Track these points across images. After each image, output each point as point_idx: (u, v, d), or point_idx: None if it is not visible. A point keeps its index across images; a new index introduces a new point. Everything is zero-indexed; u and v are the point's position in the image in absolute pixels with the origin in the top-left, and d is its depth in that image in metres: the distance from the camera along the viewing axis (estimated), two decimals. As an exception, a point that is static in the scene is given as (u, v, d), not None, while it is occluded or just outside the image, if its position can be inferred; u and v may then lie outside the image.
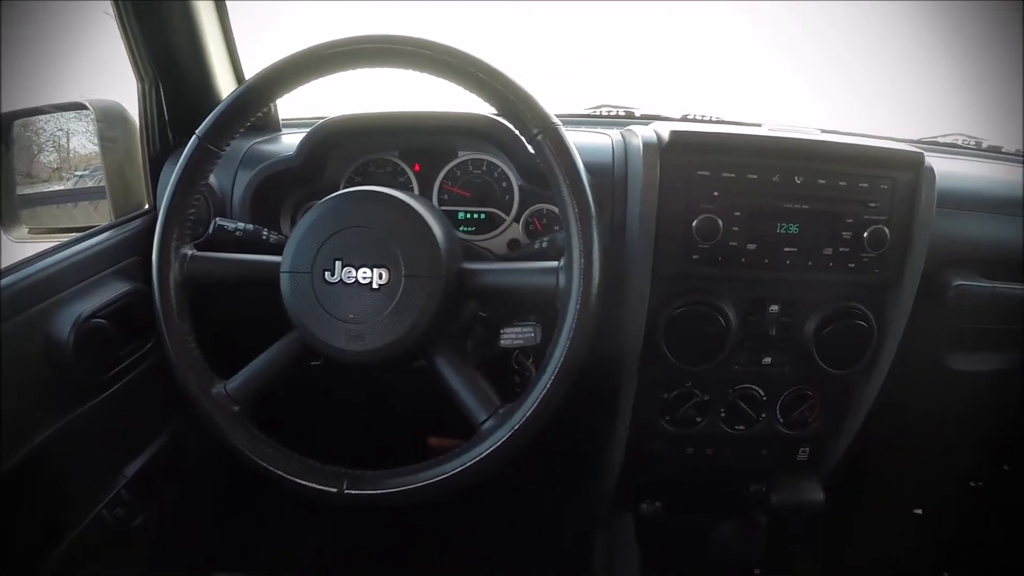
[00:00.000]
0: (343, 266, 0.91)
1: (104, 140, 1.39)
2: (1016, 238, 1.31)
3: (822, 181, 1.14)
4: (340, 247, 0.92)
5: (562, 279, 0.90)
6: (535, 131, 0.90)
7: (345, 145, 1.28)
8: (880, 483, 1.76)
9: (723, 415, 1.29)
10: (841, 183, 1.15)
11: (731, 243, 1.14)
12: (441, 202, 1.30)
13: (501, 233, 1.29)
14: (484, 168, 1.30)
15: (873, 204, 1.16)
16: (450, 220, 1.26)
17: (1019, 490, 1.73)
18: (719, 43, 1.73)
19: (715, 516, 1.48)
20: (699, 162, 1.13)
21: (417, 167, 1.31)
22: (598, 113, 1.48)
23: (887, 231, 1.15)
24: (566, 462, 1.61)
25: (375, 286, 0.90)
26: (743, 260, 1.15)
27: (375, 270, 0.90)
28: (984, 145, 1.61)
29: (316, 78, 0.94)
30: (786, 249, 1.16)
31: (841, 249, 1.16)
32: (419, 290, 0.90)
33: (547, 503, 1.71)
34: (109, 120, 1.42)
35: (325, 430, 1.51)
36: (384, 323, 0.90)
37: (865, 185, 1.15)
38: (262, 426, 0.99)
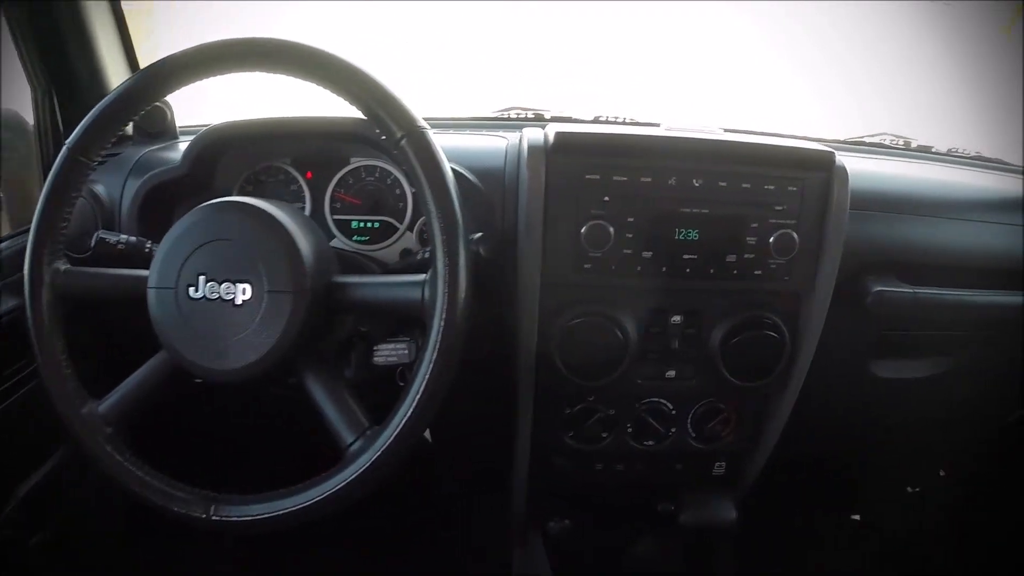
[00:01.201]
0: (207, 281, 0.81)
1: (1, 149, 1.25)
2: (937, 240, 1.15)
3: (723, 184, 0.98)
4: (204, 261, 0.82)
5: (427, 293, 0.81)
6: (398, 135, 0.81)
7: (234, 153, 1.14)
8: (812, 491, 1.60)
9: (630, 430, 1.13)
10: (744, 185, 0.99)
11: (625, 251, 0.99)
12: (334, 211, 1.15)
13: (395, 242, 1.15)
14: (377, 175, 1.14)
15: (780, 207, 1.00)
16: (344, 229, 1.14)
17: (957, 494, 1.57)
18: (643, 45, 1.56)
19: (630, 533, 1.31)
20: (588, 165, 0.98)
21: (309, 174, 1.16)
22: (507, 116, 1.31)
23: (795, 236, 0.99)
24: (481, 477, 1.45)
25: (238, 302, 0.81)
26: (639, 269, 0.99)
27: (238, 285, 0.81)
28: (913, 145, 1.44)
29: (181, 86, 0.85)
30: (686, 256, 1.00)
31: (746, 256, 1.00)
32: (282, 306, 0.80)
33: (465, 518, 1.55)
34: (6, 128, 1.28)
35: (220, 450, 1.35)
36: (247, 341, 0.81)
37: (771, 187, 0.99)
38: (154, 446, 0.91)
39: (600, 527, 1.27)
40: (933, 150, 1.46)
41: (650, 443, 1.15)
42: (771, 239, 1.00)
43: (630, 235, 0.99)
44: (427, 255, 1.00)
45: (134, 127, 1.31)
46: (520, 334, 1.03)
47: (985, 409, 1.41)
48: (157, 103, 1.26)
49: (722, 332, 1.05)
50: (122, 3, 1.29)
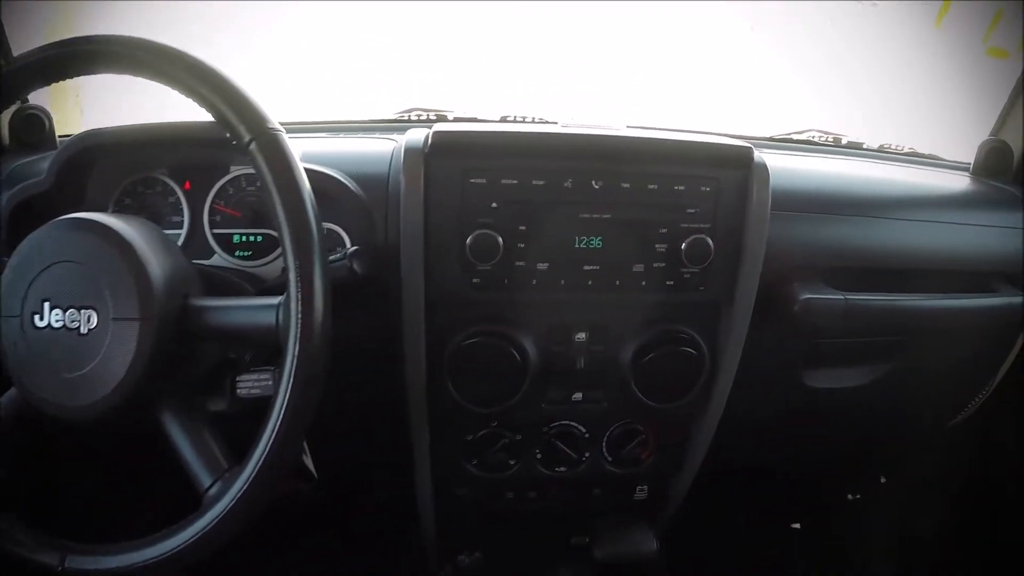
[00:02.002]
0: (51, 308, 0.69)
1: None
2: (870, 242, 1.02)
3: (626, 185, 0.84)
4: (49, 286, 0.70)
5: (281, 316, 0.69)
6: (246, 138, 0.69)
7: (106, 163, 0.97)
8: (747, 501, 1.46)
9: (539, 456, 0.97)
10: (651, 187, 0.84)
11: (517, 263, 0.84)
12: (213, 224, 0.98)
13: (277, 258, 0.97)
14: (259, 184, 0.97)
15: (692, 210, 0.86)
16: (225, 244, 0.99)
17: (898, 500, 1.43)
18: (561, 43, 1.41)
19: (544, 569, 1.15)
20: (473, 168, 0.83)
21: (188, 185, 0.99)
22: (407, 117, 1.15)
23: (710, 241, 0.85)
24: (397, 507, 1.28)
25: (84, 331, 0.68)
26: (535, 282, 0.84)
27: (83, 312, 0.69)
28: (843, 142, 1.30)
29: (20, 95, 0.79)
30: (587, 267, 0.85)
31: (656, 265, 0.86)
32: (129, 335, 0.68)
33: (383, 553, 1.38)
34: None
35: (84, 493, 1.17)
36: (96, 374, 0.69)
37: (681, 188, 0.85)
38: (10, 490, 0.79)
39: (514, 561, 1.12)
40: (864, 147, 1.32)
41: (562, 469, 1.00)
42: (683, 246, 0.86)
43: (522, 245, 0.84)
44: None
45: (10, 136, 1.13)
46: (407, 358, 0.88)
47: (924, 414, 1.28)
48: (33, 111, 1.10)
49: (633, 349, 0.90)
50: None
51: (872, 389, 1.14)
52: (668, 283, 0.88)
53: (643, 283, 0.87)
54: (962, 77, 1.48)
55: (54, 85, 0.74)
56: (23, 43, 1.07)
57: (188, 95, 0.70)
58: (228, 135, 0.70)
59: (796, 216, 1.00)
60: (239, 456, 0.70)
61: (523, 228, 0.83)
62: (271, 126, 0.69)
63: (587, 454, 1.00)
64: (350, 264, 0.83)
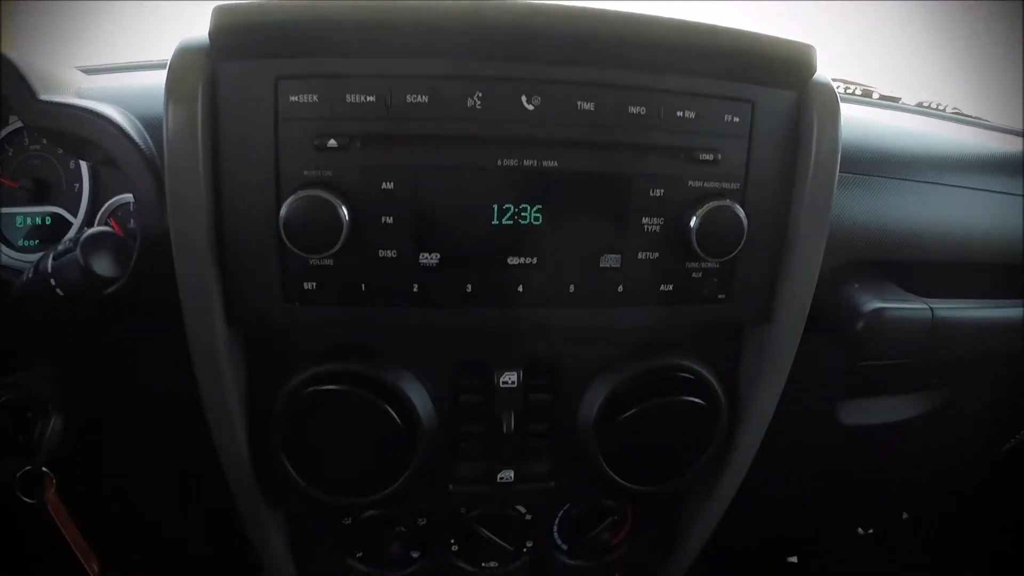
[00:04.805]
0: None
1: None
2: (937, 221, 0.55)
3: (586, 105, 0.36)
4: None
5: None
6: None
7: None
8: (740, 532, 1.00)
9: (455, 547, 0.50)
10: (632, 109, 0.39)
11: (382, 252, 0.37)
12: None
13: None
14: (45, 141, 0.49)
15: (708, 155, 0.40)
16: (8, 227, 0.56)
17: (920, 537, 0.98)
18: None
19: None
20: (293, 74, 0.36)
21: None
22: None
23: (740, 213, 0.39)
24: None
25: None
26: (415, 289, 0.36)
27: None
28: (875, 96, 0.82)
29: None
30: (515, 260, 0.37)
31: (642, 255, 0.40)
32: None
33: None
34: None
35: None
36: None
37: (689, 115, 0.39)
38: None
39: None
40: (901, 102, 0.84)
41: (493, 565, 0.54)
42: (692, 221, 0.40)
43: (389, 219, 0.37)
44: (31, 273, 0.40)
45: None
46: (211, 423, 0.41)
47: (970, 445, 0.82)
48: None
49: (599, 401, 0.44)
50: None
51: (917, 423, 0.68)
52: (663, 287, 0.41)
53: (619, 288, 0.40)
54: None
55: None
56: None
57: None
58: None
59: (854, 180, 0.53)
60: None
61: (389, 188, 0.36)
62: None
63: (530, 544, 0.54)
64: (82, 260, 0.36)
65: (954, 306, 0.55)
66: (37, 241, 0.56)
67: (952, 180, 0.60)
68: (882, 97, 0.85)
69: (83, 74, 0.55)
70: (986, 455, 0.84)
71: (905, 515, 0.99)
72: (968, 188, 0.61)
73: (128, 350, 0.49)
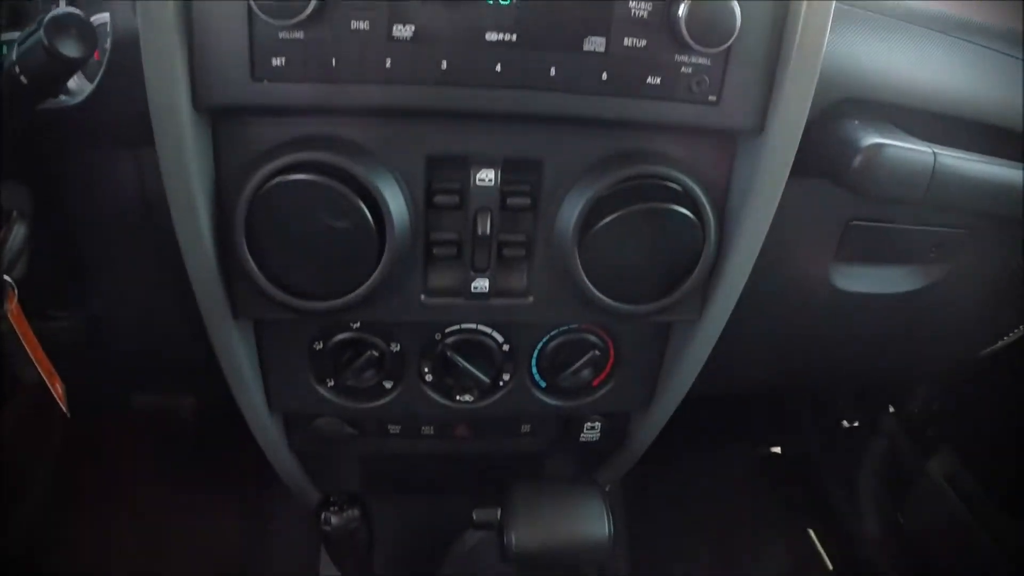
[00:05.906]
0: None
1: None
2: (932, 70, 0.54)
3: None
4: None
5: None
6: None
7: None
8: (720, 426, 1.00)
9: (429, 377, 0.50)
10: None
11: (354, 24, 0.36)
12: None
13: None
14: None
15: None
16: None
17: (904, 435, 0.98)
18: None
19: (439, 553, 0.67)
20: None
21: None
22: None
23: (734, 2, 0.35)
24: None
25: None
26: (388, 64, 0.34)
27: None
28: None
29: None
30: (493, 37, 0.34)
31: (628, 41, 0.37)
32: None
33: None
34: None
35: None
36: None
37: None
38: None
39: (415, 524, 0.66)
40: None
41: (467, 399, 0.54)
42: (682, 7, 0.36)
43: None
44: None
45: None
46: (176, 218, 0.40)
47: (964, 335, 0.81)
48: None
49: (580, 206, 0.42)
50: None
51: (917, 298, 0.67)
52: (651, 79, 0.39)
53: (602, 75, 0.38)
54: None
55: None
56: None
57: None
58: None
59: (852, 15, 0.50)
60: None
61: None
62: None
63: (507, 376, 0.54)
64: (46, 41, 0.35)
65: (958, 155, 0.53)
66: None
67: (957, 34, 0.57)
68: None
69: None
70: (974, 349, 0.83)
71: (892, 408, 0.99)
72: (973, 43, 0.58)
73: (96, 167, 0.48)
